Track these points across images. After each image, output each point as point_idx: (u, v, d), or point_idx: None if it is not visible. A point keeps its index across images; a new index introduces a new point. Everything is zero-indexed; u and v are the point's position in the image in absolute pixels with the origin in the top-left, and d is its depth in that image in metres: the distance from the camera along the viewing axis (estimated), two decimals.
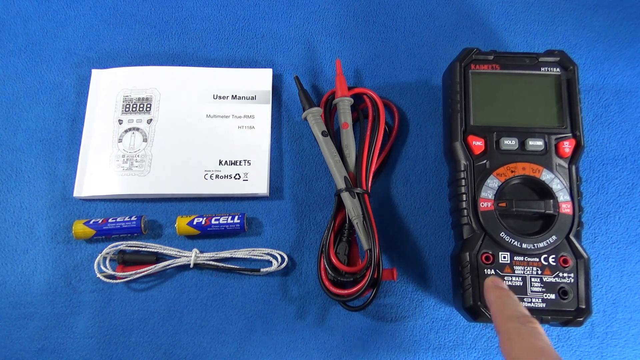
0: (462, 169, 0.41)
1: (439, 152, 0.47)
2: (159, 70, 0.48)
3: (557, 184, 0.40)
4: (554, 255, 0.38)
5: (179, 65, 0.49)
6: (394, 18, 0.52)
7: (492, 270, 0.38)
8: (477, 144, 0.41)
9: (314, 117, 0.45)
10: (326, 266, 0.41)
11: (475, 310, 0.37)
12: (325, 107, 0.47)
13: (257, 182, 0.45)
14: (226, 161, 0.45)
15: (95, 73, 0.48)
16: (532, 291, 0.38)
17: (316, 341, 0.42)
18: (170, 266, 0.43)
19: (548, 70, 0.43)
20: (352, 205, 0.41)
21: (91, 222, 0.43)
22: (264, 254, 0.43)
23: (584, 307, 0.37)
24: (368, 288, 0.39)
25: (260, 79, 0.48)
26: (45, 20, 0.51)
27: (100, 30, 0.51)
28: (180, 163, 0.45)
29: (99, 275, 0.42)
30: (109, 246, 0.43)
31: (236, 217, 0.43)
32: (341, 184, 0.42)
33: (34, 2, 0.52)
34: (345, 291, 0.40)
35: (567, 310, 0.37)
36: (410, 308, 0.43)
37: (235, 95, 0.48)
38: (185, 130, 0.46)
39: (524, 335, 0.30)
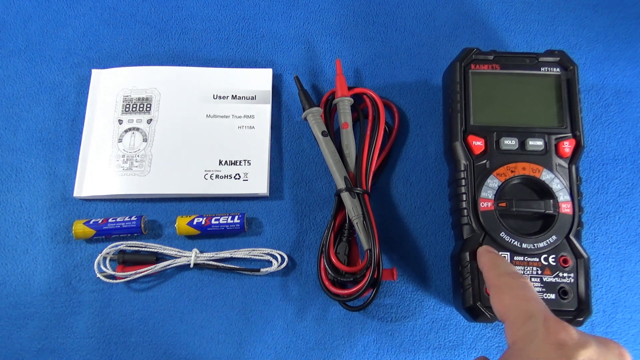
0: (462, 169, 0.41)
1: (439, 152, 0.47)
2: (159, 70, 0.48)
3: (557, 184, 0.40)
4: (554, 255, 0.38)
5: (179, 65, 0.49)
6: (394, 18, 0.52)
7: None
8: (477, 144, 0.41)
9: (314, 117, 0.45)
10: (326, 266, 0.41)
11: (475, 310, 0.37)
12: (325, 107, 0.47)
13: (257, 182, 0.45)
14: (226, 161, 0.45)
15: (95, 73, 0.48)
16: None
17: (316, 341, 0.42)
18: (170, 266, 0.43)
19: (548, 70, 0.43)
20: (352, 205, 0.41)
21: (91, 222, 0.43)
22: (264, 254, 0.43)
23: (584, 307, 0.37)
24: (368, 288, 0.39)
25: (260, 79, 0.48)
26: (45, 20, 0.51)
27: (100, 30, 0.51)
28: (180, 163, 0.45)
29: (99, 275, 0.42)
30: (109, 246, 0.43)
31: (236, 217, 0.43)
32: (341, 184, 0.42)
33: (34, 2, 0.52)
34: (345, 291, 0.40)
35: (567, 310, 0.37)
36: (410, 308, 0.43)
37: (235, 95, 0.48)
38: (185, 130, 0.46)
39: (514, 287, 0.31)
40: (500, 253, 0.38)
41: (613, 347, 0.27)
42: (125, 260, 0.43)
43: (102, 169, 0.45)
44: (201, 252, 0.43)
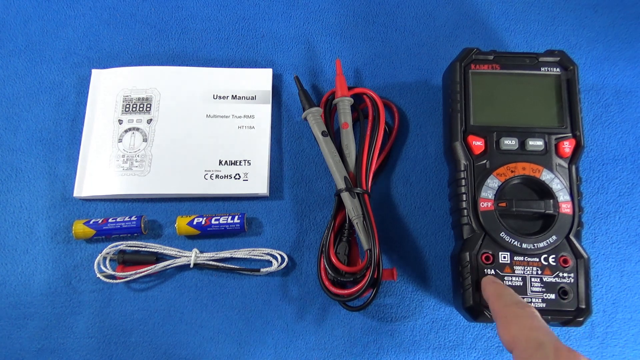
0: (462, 169, 0.41)
1: (439, 152, 0.47)
2: (159, 70, 0.48)
3: (557, 184, 0.40)
4: (554, 255, 0.38)
5: (179, 65, 0.49)
6: (394, 18, 0.52)
7: (492, 270, 0.38)
8: (477, 144, 0.41)
9: (314, 117, 0.45)
10: (326, 266, 0.41)
11: (475, 310, 0.37)
12: (325, 107, 0.47)
13: (257, 182, 0.45)
14: (226, 161, 0.45)
15: (95, 73, 0.48)
16: (532, 291, 0.38)
17: (316, 341, 0.42)
18: (170, 266, 0.43)
19: (548, 70, 0.43)
20: (352, 205, 0.41)
21: (91, 222, 0.43)
22: (264, 254, 0.43)
23: (584, 307, 0.37)
24: (368, 288, 0.39)
25: (260, 79, 0.48)
26: (45, 20, 0.51)
27: (100, 30, 0.51)
28: (180, 163, 0.45)
29: (99, 275, 0.42)
30: (109, 246, 0.43)
31: (236, 217, 0.43)
32: (341, 184, 0.42)
33: (34, 2, 0.52)
34: (345, 291, 0.40)
35: (567, 310, 0.37)
36: (410, 308, 0.43)
37: (235, 95, 0.48)
38: (185, 130, 0.46)
39: (521, 317, 0.31)
40: (500, 253, 0.38)
41: None
42: (125, 260, 0.43)
43: (102, 169, 0.45)
44: (201, 252, 0.43)
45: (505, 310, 0.32)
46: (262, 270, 0.43)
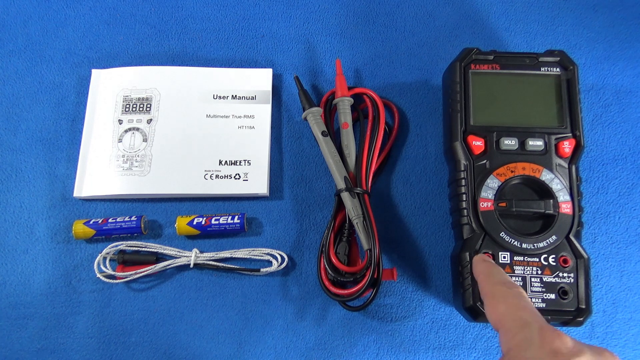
0: (462, 169, 0.41)
1: (439, 152, 0.47)
2: (159, 70, 0.48)
3: (557, 184, 0.40)
4: (554, 255, 0.38)
5: (179, 65, 0.49)
6: (394, 18, 0.52)
7: None
8: (477, 144, 0.41)
9: (314, 117, 0.45)
10: (326, 266, 0.41)
11: (475, 310, 0.37)
12: (325, 107, 0.47)
13: (257, 182, 0.45)
14: (226, 161, 0.45)
15: (95, 73, 0.48)
16: (532, 291, 0.38)
17: (316, 341, 0.42)
18: (170, 266, 0.43)
19: (548, 70, 0.43)
20: (352, 205, 0.41)
21: (91, 222, 0.43)
22: (264, 254, 0.43)
23: (584, 307, 0.37)
24: (368, 288, 0.39)
25: (260, 79, 0.48)
26: (45, 20, 0.51)
27: (100, 30, 0.51)
28: (180, 163, 0.45)
29: (99, 275, 0.42)
30: (109, 246, 0.43)
31: (236, 217, 0.43)
32: (341, 184, 0.42)
33: (34, 2, 0.52)
34: (345, 291, 0.40)
35: (567, 310, 0.37)
36: (410, 308, 0.43)
37: (235, 95, 0.48)
38: (185, 130, 0.46)
39: (508, 296, 0.31)
40: (500, 253, 0.38)
41: (607, 356, 0.27)
42: (125, 260, 0.43)
43: (102, 169, 0.45)
44: (201, 252, 0.43)
45: (493, 289, 0.33)
46: (262, 270, 0.43)
